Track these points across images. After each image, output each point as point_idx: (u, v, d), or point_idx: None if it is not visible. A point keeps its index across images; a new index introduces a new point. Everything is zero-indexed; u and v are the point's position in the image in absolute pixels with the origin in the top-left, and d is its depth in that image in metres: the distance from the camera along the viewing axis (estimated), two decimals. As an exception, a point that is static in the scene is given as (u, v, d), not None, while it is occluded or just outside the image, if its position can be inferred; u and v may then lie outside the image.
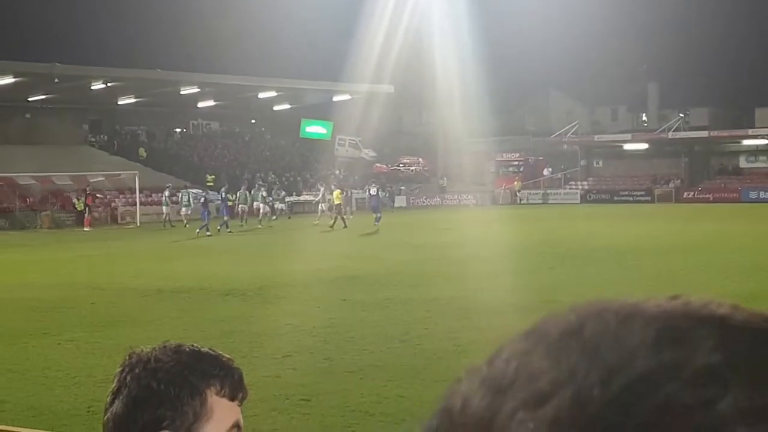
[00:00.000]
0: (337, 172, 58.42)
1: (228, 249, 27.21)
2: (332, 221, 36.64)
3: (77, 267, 22.07)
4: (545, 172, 65.21)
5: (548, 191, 61.51)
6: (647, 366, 0.44)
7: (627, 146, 63.13)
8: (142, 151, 56.65)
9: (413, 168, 65.69)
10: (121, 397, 1.55)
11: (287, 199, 48.58)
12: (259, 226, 38.03)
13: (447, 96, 58.98)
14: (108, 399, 1.58)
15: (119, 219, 44.97)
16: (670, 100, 73.63)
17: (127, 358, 1.59)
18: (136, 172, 46.58)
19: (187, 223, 39.51)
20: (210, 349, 1.62)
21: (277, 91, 56.93)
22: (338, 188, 39.53)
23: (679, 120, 62.50)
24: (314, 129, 60.37)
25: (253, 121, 66.95)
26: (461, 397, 0.48)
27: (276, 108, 61.99)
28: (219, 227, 35.18)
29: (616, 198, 57.43)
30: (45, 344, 11.75)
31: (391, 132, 60.68)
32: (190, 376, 1.55)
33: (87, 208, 41.54)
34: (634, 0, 79.74)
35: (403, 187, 60.11)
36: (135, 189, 45.26)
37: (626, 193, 58.58)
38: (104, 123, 59.22)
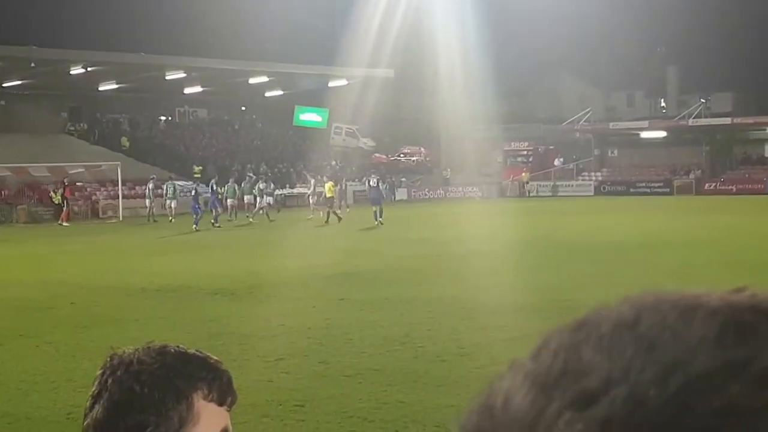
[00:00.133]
0: (333, 162, 58.43)
1: (217, 245, 27.25)
2: (326, 216, 36.64)
3: (56, 264, 22.09)
4: (556, 162, 65.17)
5: (558, 183, 61.47)
6: (709, 364, 0.43)
7: (644, 134, 63.08)
8: (124, 141, 56.64)
9: (414, 158, 65.69)
10: (102, 402, 1.56)
11: (277, 192, 48.57)
12: (252, 221, 38.07)
13: (450, 80, 58.92)
14: (88, 404, 1.59)
15: (100, 213, 44.98)
16: (691, 84, 73.60)
17: (109, 360, 1.60)
18: (119, 162, 46.58)
19: (172, 217, 39.55)
20: (197, 351, 1.63)
21: (268, 76, 56.90)
22: (330, 180, 39.50)
23: (700, 106, 62.45)
24: (308, 116, 60.34)
25: (243, 108, 66.94)
26: (503, 394, 0.47)
27: (268, 94, 61.97)
28: (213, 222, 35.30)
29: (632, 190, 57.40)
30: (21, 346, 11.77)
31: (390, 119, 60.64)
32: (175, 380, 1.56)
33: (65, 202, 41.56)
34: (651, -23, 79.64)
35: (404, 179, 60.12)
36: (117, 181, 45.29)
37: (643, 184, 58.55)
38: (84, 110, 59.19)
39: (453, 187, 59.89)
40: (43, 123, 54.25)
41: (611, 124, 65.44)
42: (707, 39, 75.09)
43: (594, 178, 62.11)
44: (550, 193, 59.43)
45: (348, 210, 41.72)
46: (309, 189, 42.08)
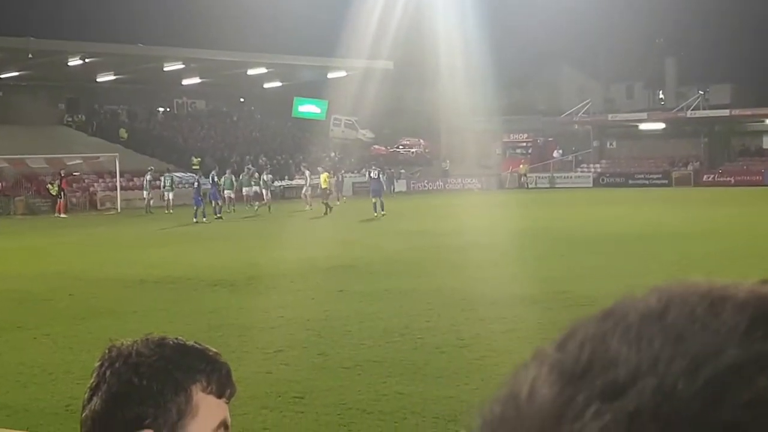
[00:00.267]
0: (333, 154, 58.39)
1: (216, 236, 27.25)
2: (324, 207, 36.69)
3: (54, 256, 22.09)
4: (555, 153, 65.18)
5: (555, 175, 61.52)
6: (738, 356, 0.43)
7: (643, 126, 63.08)
8: (122, 132, 56.57)
9: (414, 150, 65.66)
10: (100, 394, 1.55)
11: (276, 183, 48.52)
12: (257, 212, 38.01)
13: (450, 72, 58.85)
14: (86, 396, 1.58)
15: (98, 205, 44.97)
16: (689, 76, 73.47)
17: (107, 351, 1.59)
18: (117, 154, 46.50)
19: (170, 209, 39.58)
20: (196, 343, 1.62)
21: (267, 68, 56.80)
22: (325, 171, 39.52)
23: (698, 98, 62.40)
24: (307, 108, 60.26)
25: (241, 99, 66.84)
26: (529, 384, 0.46)
27: (266, 85, 61.87)
28: (215, 214, 35.34)
29: (630, 181, 57.44)
30: (19, 338, 11.77)
31: (390, 111, 60.55)
32: (174, 371, 1.55)
33: (61, 193, 41.53)
34: (650, -32, 79.44)
35: (403, 171, 60.09)
36: (115, 172, 45.23)
37: (642, 176, 58.59)
38: (82, 102, 59.10)
39: (452, 178, 59.89)
40: (40, 114, 54.17)
41: (610, 115, 65.44)
42: (706, 31, 75.01)
43: (593, 169, 62.14)
44: (548, 185, 59.50)
45: (344, 201, 41.71)
46: (305, 182, 41.99)
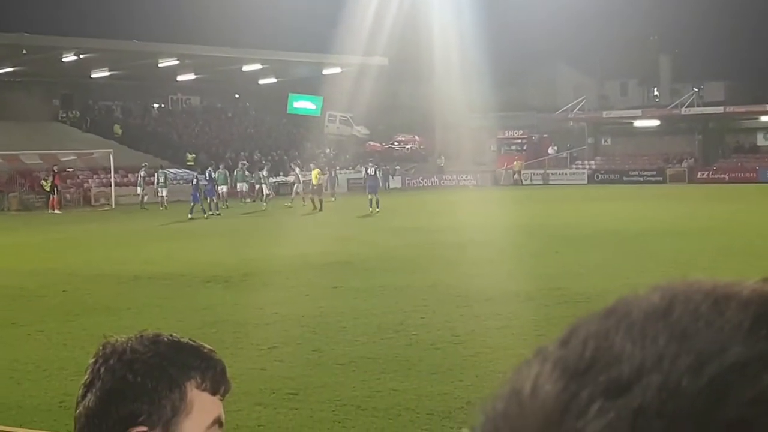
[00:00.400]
0: (327, 150, 58.36)
1: (211, 233, 27.21)
2: (315, 204, 36.61)
3: (48, 252, 22.04)
4: (550, 150, 65.24)
5: (549, 171, 61.59)
6: (742, 354, 0.43)
7: (637, 123, 63.15)
8: (117, 128, 56.46)
9: (409, 146, 65.63)
10: (94, 390, 1.55)
11: (270, 179, 48.45)
12: (265, 208, 37.87)
13: (445, 69, 58.85)
14: (80, 392, 1.57)
15: (93, 201, 44.89)
16: (683, 73, 73.62)
17: (101, 348, 1.59)
18: (111, 150, 46.45)
19: (164, 206, 39.55)
20: (190, 340, 1.62)
21: (262, 64, 56.72)
22: (317, 167, 39.47)
23: (692, 95, 62.49)
24: (302, 104, 60.21)
25: (236, 95, 66.74)
26: (532, 381, 0.46)
27: (261, 82, 61.79)
28: (212, 211, 35.30)
29: (625, 178, 57.53)
30: (13, 335, 11.74)
31: (385, 107, 60.54)
32: (168, 368, 1.55)
33: (54, 189, 41.46)
34: (645, -35, 79.46)
35: (398, 167, 60.09)
36: (109, 169, 45.17)
37: (636, 173, 58.68)
38: (76, 98, 58.96)
39: (447, 175, 59.88)
40: (35, 110, 54.06)
41: (605, 112, 65.52)
42: (700, 28, 75.08)
43: (587, 166, 62.20)
44: (541, 182, 59.58)
45: (334, 199, 41.62)
46: (293, 179, 41.86)
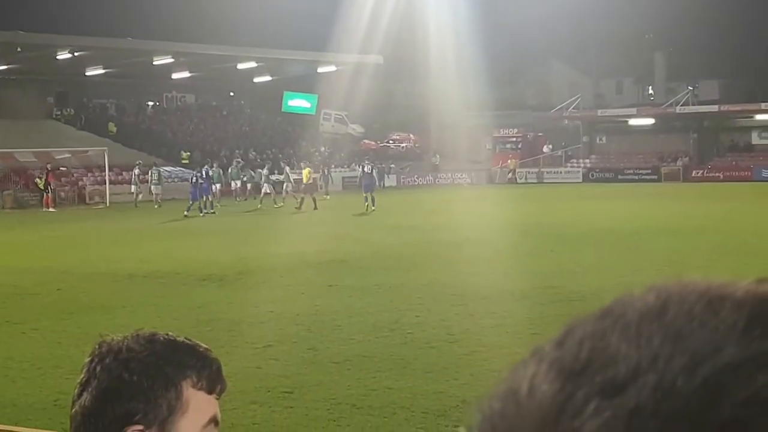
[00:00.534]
0: (322, 149, 58.33)
1: (206, 231, 27.19)
2: (299, 203, 36.42)
3: (42, 250, 22.00)
4: (545, 149, 65.31)
5: (544, 170, 61.67)
6: (737, 354, 0.43)
7: (632, 121, 63.25)
8: (111, 126, 56.35)
9: (404, 145, 65.64)
10: (90, 389, 1.55)
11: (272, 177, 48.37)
12: (276, 206, 37.78)
13: (441, 67, 58.84)
14: (76, 391, 1.57)
15: (87, 199, 44.80)
16: (678, 72, 73.63)
17: (97, 347, 1.59)
18: (105, 148, 46.34)
19: (157, 204, 39.50)
20: (186, 339, 1.62)
21: (257, 62, 56.67)
22: (307, 166, 39.39)
23: (687, 93, 62.60)
24: (297, 102, 60.17)
25: (231, 93, 66.64)
26: (528, 381, 0.46)
27: (256, 80, 61.72)
28: (206, 208, 35.28)
29: (620, 177, 57.62)
30: (7, 333, 11.73)
31: (380, 106, 60.54)
32: (164, 367, 1.55)
33: (48, 187, 41.38)
34: (639, -37, 79.48)
35: (393, 165, 60.09)
36: (104, 167, 45.09)
37: (631, 171, 58.78)
38: (71, 96, 58.83)
39: (442, 173, 59.91)
40: (29, 108, 53.92)
41: (600, 111, 65.60)
42: (695, 27, 75.15)
43: (582, 164, 62.28)
44: (535, 180, 59.63)
45: (328, 197, 41.55)
46: (284, 177, 41.72)
